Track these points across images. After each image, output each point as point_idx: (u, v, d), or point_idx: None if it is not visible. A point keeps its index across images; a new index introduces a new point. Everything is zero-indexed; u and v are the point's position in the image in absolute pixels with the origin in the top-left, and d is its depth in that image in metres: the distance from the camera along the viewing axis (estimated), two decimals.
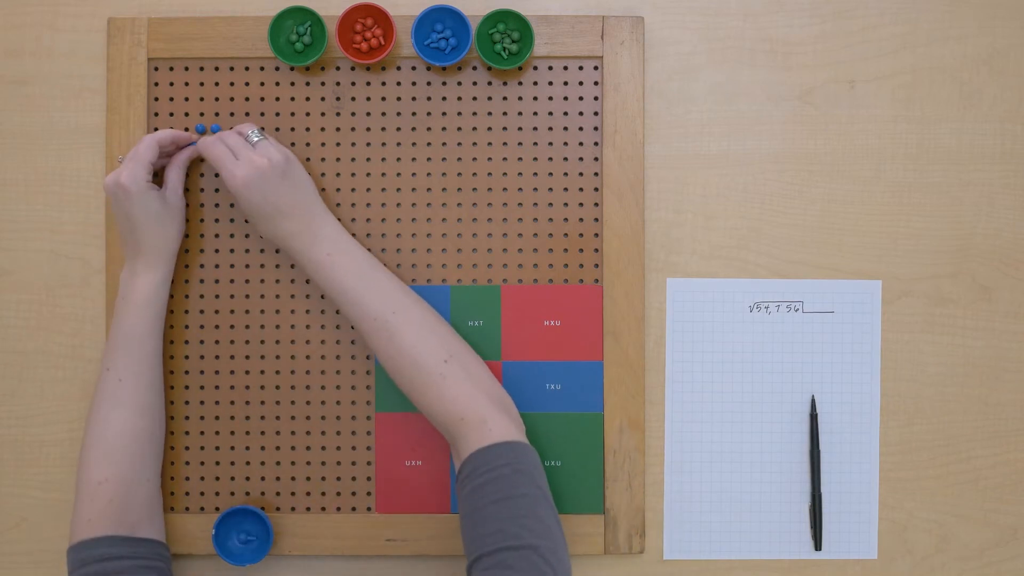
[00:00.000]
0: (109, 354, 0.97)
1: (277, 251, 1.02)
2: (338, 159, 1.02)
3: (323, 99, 1.02)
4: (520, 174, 1.02)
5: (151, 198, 0.96)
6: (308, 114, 1.02)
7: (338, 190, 1.02)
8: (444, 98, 1.02)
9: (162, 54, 1.02)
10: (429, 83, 1.02)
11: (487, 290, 1.02)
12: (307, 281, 1.02)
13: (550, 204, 1.02)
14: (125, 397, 0.96)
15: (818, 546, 1.03)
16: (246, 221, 1.02)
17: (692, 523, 1.03)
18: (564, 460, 1.02)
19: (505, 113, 1.02)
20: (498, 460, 0.88)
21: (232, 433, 1.02)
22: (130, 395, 0.96)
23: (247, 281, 1.02)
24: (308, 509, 1.02)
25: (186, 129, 1.02)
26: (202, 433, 1.02)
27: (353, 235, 1.02)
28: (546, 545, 0.84)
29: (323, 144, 1.02)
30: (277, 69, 1.02)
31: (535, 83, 1.02)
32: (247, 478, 1.02)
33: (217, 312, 1.02)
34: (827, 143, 1.04)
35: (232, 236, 1.02)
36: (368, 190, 1.02)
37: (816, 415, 1.03)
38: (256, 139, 0.95)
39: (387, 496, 1.02)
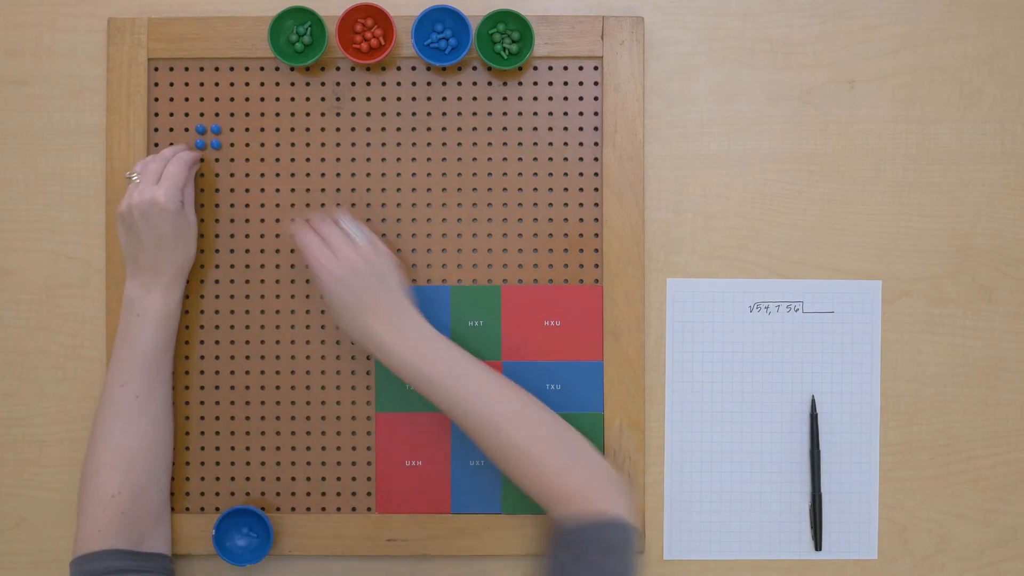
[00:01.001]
0: (124, 370, 0.96)
1: (277, 251, 1.02)
2: (338, 159, 1.02)
3: (323, 99, 1.02)
4: (520, 174, 1.02)
5: (180, 216, 0.96)
6: (308, 114, 1.02)
7: (338, 190, 1.02)
8: (444, 98, 1.02)
9: (162, 54, 1.02)
10: (429, 83, 1.02)
11: (487, 290, 1.02)
12: (307, 281, 1.02)
13: (550, 204, 1.02)
14: (141, 411, 0.95)
15: (818, 546, 1.03)
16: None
17: (692, 523, 1.03)
18: None
19: (505, 113, 1.02)
20: (598, 539, 0.86)
21: (232, 433, 1.02)
22: (145, 409, 0.96)
23: (247, 282, 1.02)
24: (308, 509, 1.02)
25: (186, 130, 1.02)
26: (202, 433, 1.02)
27: None
28: None
29: (323, 144, 1.02)
30: (277, 69, 1.02)
31: (535, 83, 1.02)
32: (247, 478, 1.02)
33: (217, 312, 1.02)
34: (827, 143, 1.04)
35: (232, 236, 1.02)
36: (368, 190, 1.02)
37: (816, 415, 1.03)
38: (359, 238, 0.94)
39: (387, 496, 1.02)
